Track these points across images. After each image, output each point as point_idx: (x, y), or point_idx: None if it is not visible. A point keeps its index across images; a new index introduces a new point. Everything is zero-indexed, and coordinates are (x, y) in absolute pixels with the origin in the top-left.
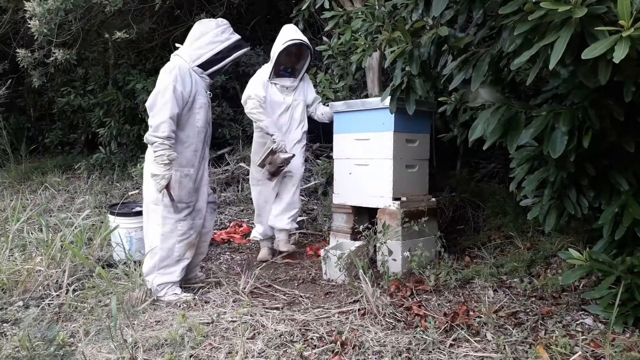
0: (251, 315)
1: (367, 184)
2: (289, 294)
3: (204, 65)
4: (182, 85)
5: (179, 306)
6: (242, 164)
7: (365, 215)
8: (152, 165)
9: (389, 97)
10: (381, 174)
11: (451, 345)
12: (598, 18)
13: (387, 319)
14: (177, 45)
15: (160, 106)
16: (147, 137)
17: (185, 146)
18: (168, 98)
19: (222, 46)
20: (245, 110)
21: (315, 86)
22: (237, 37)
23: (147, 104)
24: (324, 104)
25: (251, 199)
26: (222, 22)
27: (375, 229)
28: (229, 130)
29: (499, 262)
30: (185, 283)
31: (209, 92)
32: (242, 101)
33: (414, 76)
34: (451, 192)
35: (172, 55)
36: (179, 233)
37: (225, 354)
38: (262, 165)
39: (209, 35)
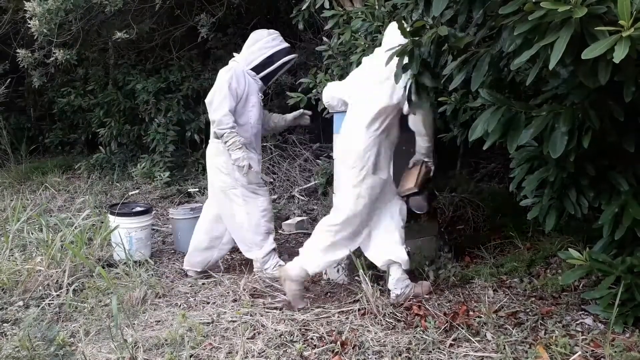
0: (251, 315)
1: None
2: None
3: (256, 69)
4: (236, 82)
5: (179, 306)
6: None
7: None
8: (219, 155)
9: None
10: None
11: (451, 345)
12: (598, 18)
13: (387, 319)
14: (234, 54)
15: (219, 102)
16: (216, 131)
17: (245, 133)
18: (225, 94)
19: (272, 51)
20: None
21: (315, 86)
22: (285, 45)
23: (206, 100)
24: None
25: None
26: (273, 31)
27: None
28: None
29: (499, 262)
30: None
31: (260, 95)
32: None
33: (419, 75)
34: (451, 192)
35: (230, 61)
36: (260, 210)
37: (225, 354)
38: (410, 194)
39: (261, 42)
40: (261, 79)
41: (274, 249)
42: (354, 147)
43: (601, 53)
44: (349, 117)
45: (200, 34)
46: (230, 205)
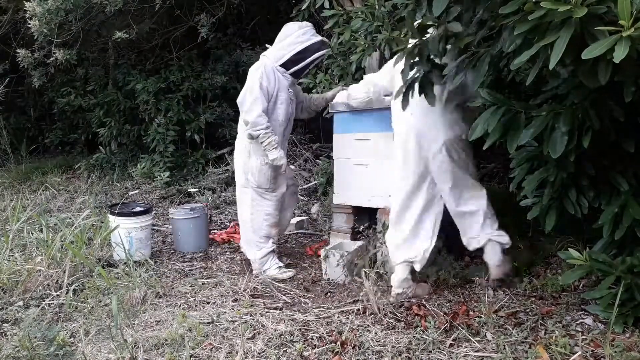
0: (251, 315)
1: (367, 184)
2: (289, 294)
3: (286, 65)
4: (267, 81)
5: (180, 306)
6: None
7: (365, 215)
8: (242, 153)
9: (401, 96)
10: (381, 174)
11: (451, 345)
12: (598, 18)
13: (387, 319)
14: (267, 45)
15: (251, 102)
16: (251, 133)
17: None
18: (257, 94)
19: (302, 47)
20: None
21: (315, 86)
22: (318, 38)
23: (237, 101)
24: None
25: None
26: (306, 24)
27: (375, 229)
28: (229, 130)
29: None
30: None
31: (290, 90)
32: None
33: (427, 71)
34: None
35: (261, 55)
36: (264, 213)
37: (225, 354)
38: None
39: (292, 37)
40: (291, 74)
41: (272, 251)
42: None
43: (601, 53)
44: (418, 108)
45: (200, 34)
46: (242, 200)
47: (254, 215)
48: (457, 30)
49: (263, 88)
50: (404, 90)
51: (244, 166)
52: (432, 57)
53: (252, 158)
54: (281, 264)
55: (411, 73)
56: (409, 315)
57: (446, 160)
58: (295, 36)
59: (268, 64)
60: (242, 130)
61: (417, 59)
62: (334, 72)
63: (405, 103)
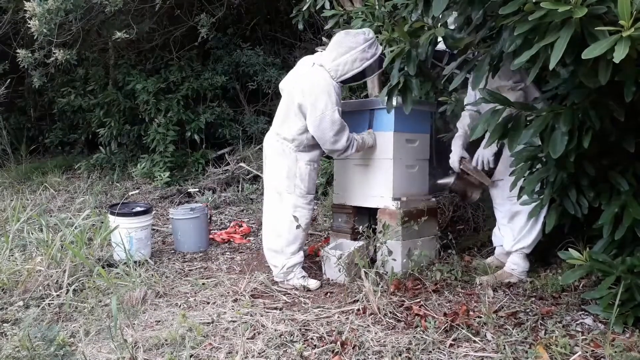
0: (251, 315)
1: (367, 184)
2: (289, 294)
3: (346, 80)
4: (338, 104)
5: (180, 306)
6: (242, 164)
7: (365, 215)
8: (285, 158)
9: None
10: (381, 174)
11: (451, 345)
12: (598, 18)
13: (387, 319)
14: (318, 49)
15: (336, 132)
16: (348, 155)
17: (318, 146)
18: (338, 123)
19: (368, 63)
20: None
21: None
22: (380, 49)
23: (315, 134)
24: None
25: (252, 198)
26: (370, 35)
27: (375, 229)
28: (229, 130)
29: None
30: None
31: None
32: None
33: (411, 76)
34: (451, 192)
35: (316, 65)
36: (304, 221)
37: (225, 354)
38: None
39: (357, 52)
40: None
41: (300, 263)
42: None
43: (601, 53)
44: None
45: (200, 34)
46: (280, 207)
47: (293, 224)
48: (441, 35)
49: (340, 113)
50: (387, 91)
51: (288, 172)
52: (420, 60)
53: (299, 163)
54: (305, 274)
55: (398, 75)
56: (409, 315)
57: None
58: (360, 50)
59: (335, 85)
60: (281, 136)
61: (404, 61)
62: None
63: (390, 105)
